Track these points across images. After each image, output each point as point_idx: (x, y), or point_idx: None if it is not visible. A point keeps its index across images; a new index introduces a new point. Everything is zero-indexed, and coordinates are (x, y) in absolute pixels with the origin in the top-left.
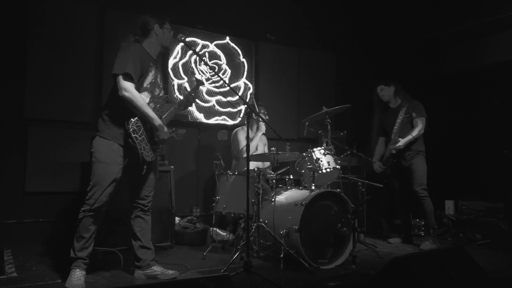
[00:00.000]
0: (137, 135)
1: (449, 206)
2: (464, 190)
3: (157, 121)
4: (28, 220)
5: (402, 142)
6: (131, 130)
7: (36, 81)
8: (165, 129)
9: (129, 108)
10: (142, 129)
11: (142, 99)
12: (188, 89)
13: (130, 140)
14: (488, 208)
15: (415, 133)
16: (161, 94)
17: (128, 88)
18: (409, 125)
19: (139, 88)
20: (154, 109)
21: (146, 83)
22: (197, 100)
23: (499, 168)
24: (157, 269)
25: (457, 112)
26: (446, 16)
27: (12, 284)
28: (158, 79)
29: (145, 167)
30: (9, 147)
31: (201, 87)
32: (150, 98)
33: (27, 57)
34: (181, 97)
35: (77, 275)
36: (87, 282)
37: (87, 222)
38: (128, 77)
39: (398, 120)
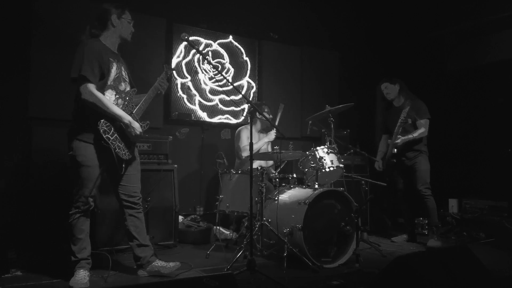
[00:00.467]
0: (108, 135)
1: (453, 204)
2: (468, 189)
3: (125, 118)
4: (32, 219)
5: (400, 140)
6: (101, 131)
7: (40, 80)
8: (136, 124)
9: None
10: (112, 128)
11: (105, 99)
12: (191, 87)
13: (102, 141)
14: (492, 207)
15: (416, 134)
16: (127, 89)
17: (89, 91)
18: (412, 126)
19: (103, 87)
20: (122, 106)
21: (109, 81)
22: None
23: (503, 166)
24: (158, 264)
25: (460, 110)
26: (449, 14)
27: (16, 283)
28: (123, 73)
29: (123, 165)
30: (13, 146)
31: (204, 86)
32: (115, 94)
33: (31, 56)
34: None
35: (82, 274)
36: (90, 281)
37: (79, 224)
38: (85, 80)
39: (400, 121)
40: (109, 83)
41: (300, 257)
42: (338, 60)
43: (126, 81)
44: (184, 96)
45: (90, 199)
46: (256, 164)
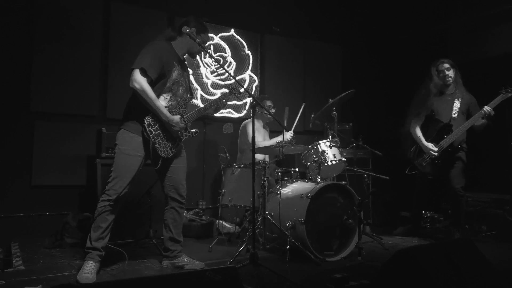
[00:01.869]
0: (151, 129)
1: None
2: (470, 182)
3: (165, 115)
4: (35, 214)
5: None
6: (145, 123)
7: (43, 75)
8: (175, 120)
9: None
10: (157, 124)
11: (152, 93)
12: (193, 80)
13: (145, 134)
14: (494, 200)
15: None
16: (185, 95)
17: (138, 80)
18: (464, 116)
19: (162, 88)
20: (175, 107)
21: (169, 83)
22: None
23: (506, 159)
24: (184, 259)
25: None
26: (453, 7)
27: (20, 277)
28: (185, 79)
29: (160, 162)
30: (16, 141)
31: (206, 80)
32: (171, 96)
33: (33, 51)
34: (217, 100)
35: (90, 267)
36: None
37: (105, 213)
38: (142, 72)
39: (456, 108)
40: (168, 84)
41: (303, 250)
42: (341, 54)
43: (186, 87)
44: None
45: (123, 190)
46: (260, 158)
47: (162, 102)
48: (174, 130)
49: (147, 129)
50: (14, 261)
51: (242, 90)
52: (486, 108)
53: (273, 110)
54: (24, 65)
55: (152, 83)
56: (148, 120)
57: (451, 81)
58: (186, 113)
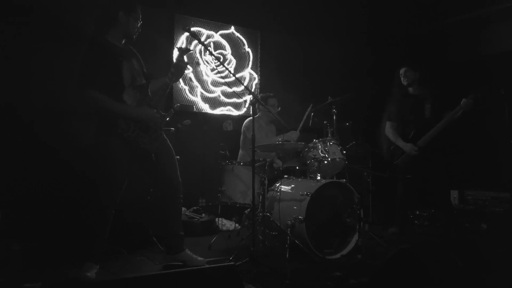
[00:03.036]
0: (129, 133)
1: (454, 196)
2: (469, 180)
3: (132, 113)
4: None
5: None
6: (119, 131)
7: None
8: (147, 114)
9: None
10: (131, 124)
11: (109, 101)
12: (193, 78)
13: (125, 140)
14: (494, 198)
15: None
16: (143, 82)
17: (88, 96)
18: (436, 115)
19: (122, 89)
20: (139, 100)
21: (125, 80)
22: (188, 66)
23: (505, 157)
24: (187, 253)
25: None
26: (452, 5)
27: (18, 273)
28: (136, 67)
29: (153, 158)
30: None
31: (205, 78)
32: (133, 89)
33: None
34: (172, 70)
35: (88, 265)
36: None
37: (99, 220)
38: (86, 87)
39: (428, 108)
40: (125, 83)
41: (303, 248)
42: (341, 51)
43: (140, 74)
44: (186, 88)
45: (115, 196)
46: (263, 155)
47: (128, 98)
48: (147, 120)
49: (124, 135)
50: (13, 258)
51: (242, 88)
52: (464, 100)
53: (278, 109)
54: None
55: (108, 90)
56: (121, 126)
57: (409, 81)
58: (152, 99)
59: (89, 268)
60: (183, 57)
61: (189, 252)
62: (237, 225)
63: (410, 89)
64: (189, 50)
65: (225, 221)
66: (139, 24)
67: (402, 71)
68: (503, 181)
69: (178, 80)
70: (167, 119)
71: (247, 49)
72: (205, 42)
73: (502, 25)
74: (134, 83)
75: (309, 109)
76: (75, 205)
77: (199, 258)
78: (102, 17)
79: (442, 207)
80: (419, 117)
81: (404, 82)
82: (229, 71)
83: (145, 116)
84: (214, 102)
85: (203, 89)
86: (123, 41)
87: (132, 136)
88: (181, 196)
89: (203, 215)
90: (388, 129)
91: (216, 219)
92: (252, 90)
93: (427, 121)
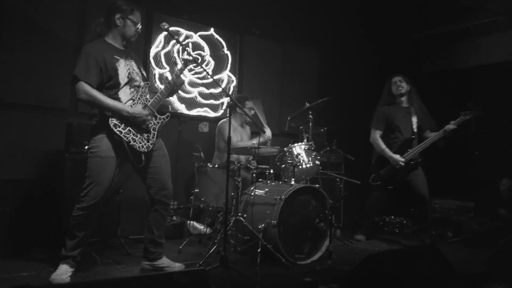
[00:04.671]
0: (120, 129)
1: None
2: (437, 189)
3: (125, 110)
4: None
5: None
6: (111, 125)
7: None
8: (136, 112)
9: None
10: (124, 121)
11: (102, 96)
12: (169, 78)
13: (115, 136)
14: (459, 207)
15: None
16: (141, 83)
17: (80, 89)
18: (420, 130)
19: (117, 86)
20: (136, 100)
21: (121, 79)
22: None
23: (470, 168)
24: (164, 261)
25: (432, 112)
26: (429, 19)
27: None
28: (135, 68)
29: (142, 158)
30: None
31: (183, 78)
32: (130, 88)
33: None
34: (170, 78)
35: (63, 269)
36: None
37: (81, 220)
38: (77, 80)
39: (415, 123)
40: (121, 81)
41: (274, 253)
42: (318, 58)
43: (139, 75)
44: (162, 87)
45: (100, 195)
46: (235, 158)
47: (124, 96)
48: (140, 121)
49: (115, 130)
50: None
51: (219, 89)
52: (448, 127)
53: (253, 112)
54: None
55: (104, 87)
56: (113, 121)
57: (403, 91)
58: (149, 100)
59: (64, 272)
60: (183, 69)
61: (167, 259)
62: (208, 228)
63: (400, 100)
64: (196, 62)
65: (196, 225)
66: (138, 27)
67: (396, 79)
68: (467, 191)
69: (177, 92)
70: (162, 121)
71: (226, 51)
72: (184, 43)
73: (481, 39)
74: (131, 82)
75: (258, 104)
76: (57, 203)
77: (177, 264)
78: (102, 19)
79: (421, 216)
80: (406, 128)
81: (396, 91)
82: (207, 73)
83: (137, 115)
84: (190, 103)
85: (180, 90)
86: (124, 43)
87: (122, 132)
88: (170, 205)
89: (174, 217)
90: (375, 138)
91: (188, 222)
92: (230, 93)
93: (413, 134)
